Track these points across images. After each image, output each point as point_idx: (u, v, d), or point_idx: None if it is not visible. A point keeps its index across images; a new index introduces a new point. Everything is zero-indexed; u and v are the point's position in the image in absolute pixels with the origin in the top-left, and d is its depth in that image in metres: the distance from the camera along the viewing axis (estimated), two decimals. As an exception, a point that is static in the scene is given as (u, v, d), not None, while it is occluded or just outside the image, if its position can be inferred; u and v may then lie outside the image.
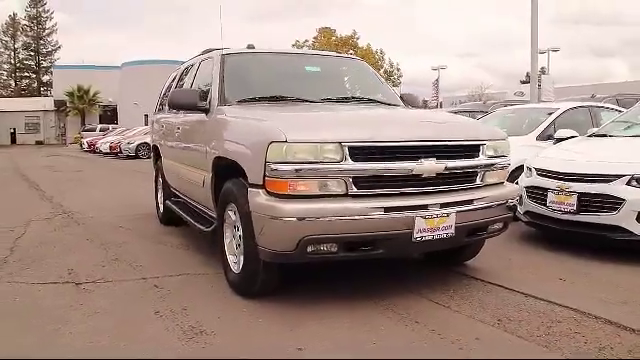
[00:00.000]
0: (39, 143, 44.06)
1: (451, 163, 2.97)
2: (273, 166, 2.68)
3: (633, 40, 71.86)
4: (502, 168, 3.31)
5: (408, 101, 4.39)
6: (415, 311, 2.89)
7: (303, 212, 2.63)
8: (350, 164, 2.72)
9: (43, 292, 3.33)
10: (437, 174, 2.92)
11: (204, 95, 3.90)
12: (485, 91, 34.77)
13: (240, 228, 3.05)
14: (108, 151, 21.92)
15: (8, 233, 5.20)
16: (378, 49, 42.29)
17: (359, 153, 2.74)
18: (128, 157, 20.05)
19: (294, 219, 2.62)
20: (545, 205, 4.37)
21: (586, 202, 4.04)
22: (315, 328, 2.68)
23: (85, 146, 26.92)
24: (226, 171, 3.30)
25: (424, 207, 2.83)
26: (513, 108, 7.97)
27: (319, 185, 2.70)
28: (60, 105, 43.95)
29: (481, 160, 3.14)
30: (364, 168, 2.75)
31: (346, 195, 2.73)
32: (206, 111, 3.77)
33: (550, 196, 4.31)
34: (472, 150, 3.12)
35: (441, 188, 2.96)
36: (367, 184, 2.77)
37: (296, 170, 2.66)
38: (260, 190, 2.78)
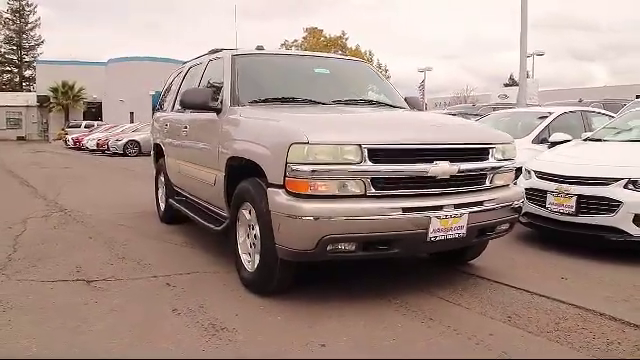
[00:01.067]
0: (21, 139, 43.14)
1: (464, 165, 3.06)
2: (294, 167, 2.74)
3: (613, 45, 73.58)
4: (509, 171, 3.42)
5: (412, 104, 4.49)
6: (428, 309, 2.98)
7: (324, 212, 2.69)
8: (369, 165, 2.79)
9: (55, 290, 3.32)
10: (450, 176, 3.01)
11: (214, 95, 3.93)
12: (470, 93, 35.24)
13: (256, 227, 3.09)
14: (95, 148, 21.59)
15: (7, 231, 5.14)
16: (367, 50, 42.56)
17: (378, 155, 2.82)
18: (115, 154, 19.80)
19: (315, 218, 2.68)
20: (544, 207, 4.50)
21: (585, 204, 4.18)
22: (333, 325, 2.75)
23: (70, 143, 26.44)
24: (240, 171, 3.34)
25: (439, 208, 2.92)
26: (510, 111, 8.15)
27: (338, 185, 2.76)
28: (43, 101, 43.09)
29: (491, 163, 3.24)
30: (382, 169, 2.82)
31: (365, 195, 2.80)
32: (218, 111, 3.80)
33: (549, 198, 4.45)
34: (482, 153, 3.22)
35: (454, 190, 3.05)
36: (385, 185, 2.85)
37: (317, 171, 2.72)
38: (280, 190, 2.83)
